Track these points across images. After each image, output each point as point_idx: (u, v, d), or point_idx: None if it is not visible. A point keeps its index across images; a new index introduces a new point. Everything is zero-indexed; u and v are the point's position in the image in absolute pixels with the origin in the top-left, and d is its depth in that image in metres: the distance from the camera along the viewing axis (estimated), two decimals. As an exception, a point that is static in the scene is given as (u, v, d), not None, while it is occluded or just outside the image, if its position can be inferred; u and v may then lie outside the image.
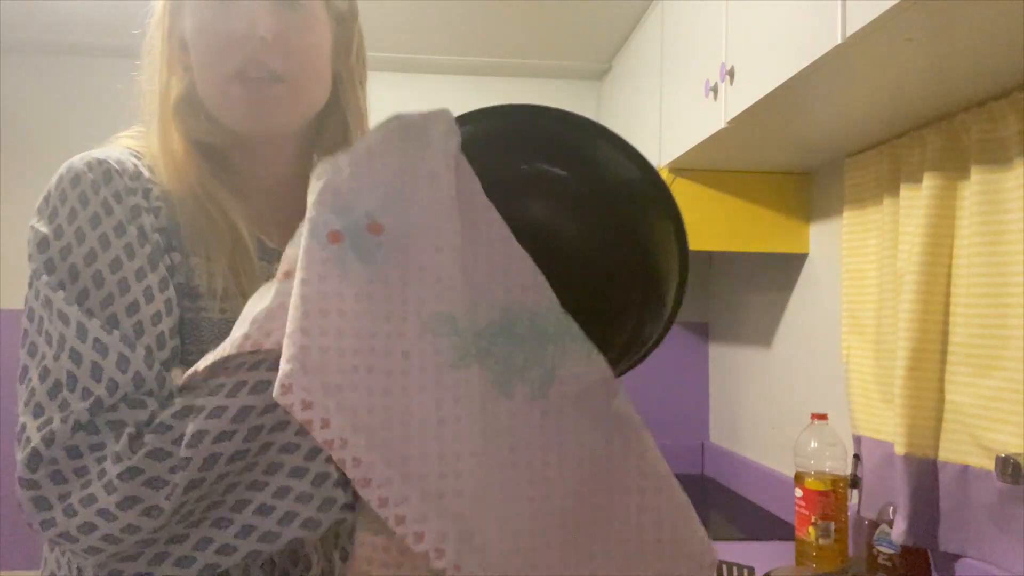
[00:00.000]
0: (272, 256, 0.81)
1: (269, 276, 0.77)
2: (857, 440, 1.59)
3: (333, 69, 0.81)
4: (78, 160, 0.74)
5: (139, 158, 0.78)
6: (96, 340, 0.67)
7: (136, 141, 0.81)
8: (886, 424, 1.50)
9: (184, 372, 0.68)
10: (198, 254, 0.76)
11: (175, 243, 0.75)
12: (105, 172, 0.73)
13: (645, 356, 0.68)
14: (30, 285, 0.71)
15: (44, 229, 0.71)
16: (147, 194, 0.75)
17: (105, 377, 0.66)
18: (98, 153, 0.75)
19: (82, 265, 0.69)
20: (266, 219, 0.83)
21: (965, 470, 1.32)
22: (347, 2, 0.83)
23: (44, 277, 0.69)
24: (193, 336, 0.74)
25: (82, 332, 0.67)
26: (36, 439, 0.64)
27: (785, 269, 2.11)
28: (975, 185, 1.28)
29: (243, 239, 0.77)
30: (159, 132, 0.78)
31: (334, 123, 0.84)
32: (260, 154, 0.82)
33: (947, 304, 1.37)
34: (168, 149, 0.77)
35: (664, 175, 2.01)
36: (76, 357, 0.67)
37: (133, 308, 0.70)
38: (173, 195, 0.76)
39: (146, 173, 0.76)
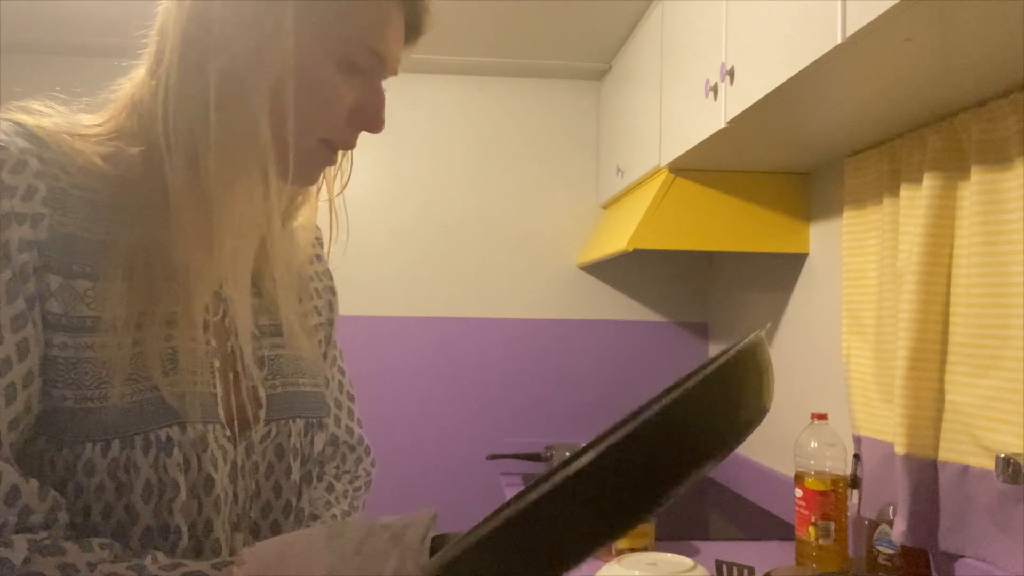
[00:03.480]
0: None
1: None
2: (857, 440, 1.59)
3: None
4: None
5: (37, 140, 0.64)
6: None
7: (44, 118, 0.67)
8: (886, 424, 1.50)
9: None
10: (90, 275, 0.63)
11: (54, 262, 0.62)
12: None
13: None
14: None
15: None
16: (29, 195, 0.61)
17: None
18: None
19: None
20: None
21: (965, 470, 1.32)
22: None
23: None
24: (68, 378, 0.61)
25: None
26: None
27: (785, 269, 2.11)
28: (975, 185, 1.28)
29: (172, 257, 0.67)
30: (128, 116, 0.67)
31: None
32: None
33: (947, 304, 1.37)
34: (135, 138, 0.66)
35: (664, 175, 2.02)
36: None
37: None
38: (109, 192, 0.65)
39: (35, 164, 0.62)
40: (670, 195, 1.99)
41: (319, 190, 0.81)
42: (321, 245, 0.90)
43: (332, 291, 0.92)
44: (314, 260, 0.88)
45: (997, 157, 1.26)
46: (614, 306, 2.81)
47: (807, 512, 1.55)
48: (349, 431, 0.93)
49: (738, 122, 1.52)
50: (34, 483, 0.59)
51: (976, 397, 1.29)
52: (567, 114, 2.84)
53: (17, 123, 0.64)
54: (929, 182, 1.37)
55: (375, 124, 0.72)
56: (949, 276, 1.36)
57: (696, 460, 0.45)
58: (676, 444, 0.45)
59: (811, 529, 1.54)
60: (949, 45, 1.07)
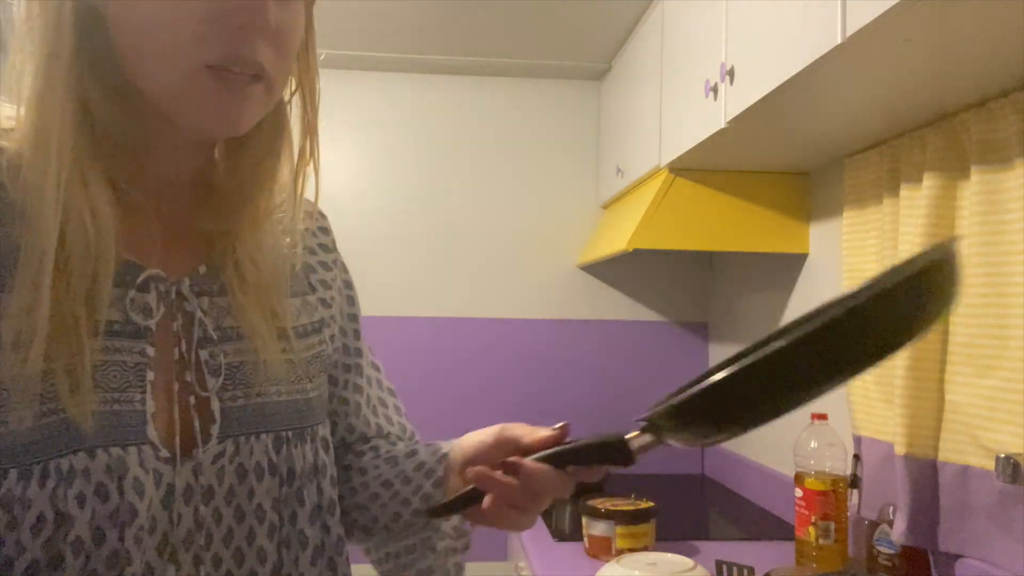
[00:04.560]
0: (135, 280, 0.62)
1: (123, 310, 0.61)
2: (857, 440, 1.59)
3: None
4: None
5: None
6: None
7: None
8: (886, 424, 1.50)
9: None
10: (13, 285, 0.56)
11: None
12: None
13: None
14: None
15: None
16: None
17: None
18: None
19: None
20: (144, 229, 0.64)
21: (965, 470, 1.32)
22: None
23: None
24: None
25: None
26: None
27: (785, 269, 2.11)
28: (975, 185, 1.28)
29: (106, 260, 0.58)
30: (38, 94, 0.57)
31: (271, 119, 0.68)
32: (169, 147, 0.65)
33: (947, 304, 1.37)
34: (45, 121, 0.57)
35: (664, 175, 2.02)
36: None
37: None
38: (21, 188, 0.57)
39: None
40: (670, 195, 1.99)
41: (301, 176, 0.71)
42: (327, 233, 0.81)
43: (348, 284, 0.83)
44: (316, 250, 0.79)
45: (997, 157, 1.26)
46: (614, 306, 2.81)
47: (807, 512, 1.55)
48: (403, 428, 0.87)
49: (738, 122, 1.52)
50: None
51: (976, 397, 1.29)
52: (567, 114, 2.84)
53: None
54: (929, 182, 1.37)
55: (257, 19, 0.58)
56: (949, 276, 1.36)
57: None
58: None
59: (811, 529, 1.54)
60: (949, 45, 1.07)
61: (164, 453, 0.61)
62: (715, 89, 1.60)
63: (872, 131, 1.54)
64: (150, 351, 0.62)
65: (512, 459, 0.68)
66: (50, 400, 0.56)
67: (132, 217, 0.63)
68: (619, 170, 2.47)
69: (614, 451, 0.68)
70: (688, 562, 1.42)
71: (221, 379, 0.65)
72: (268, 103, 0.63)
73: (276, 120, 0.69)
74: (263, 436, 0.66)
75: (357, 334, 0.84)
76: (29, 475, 0.55)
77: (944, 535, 1.37)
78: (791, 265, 2.08)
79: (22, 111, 0.58)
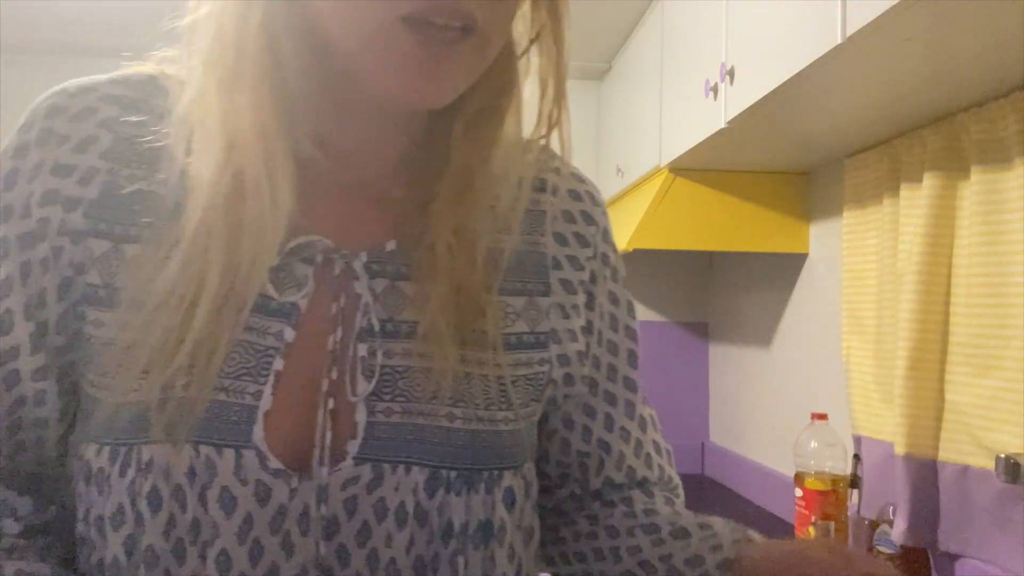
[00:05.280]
0: (285, 245, 0.50)
1: (270, 281, 0.50)
2: (857, 440, 1.59)
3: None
4: (54, 94, 0.54)
5: (165, 92, 0.53)
6: None
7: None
8: (886, 424, 1.50)
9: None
10: (141, 239, 0.50)
11: (103, 224, 0.50)
12: (43, 132, 0.51)
13: None
14: None
15: None
16: (83, 147, 0.52)
17: None
18: (84, 84, 0.55)
19: None
20: (318, 192, 0.53)
21: (965, 470, 1.32)
22: None
23: None
24: (94, 360, 0.50)
25: None
26: None
27: (785, 269, 2.11)
28: (975, 185, 1.28)
29: (275, 226, 0.49)
30: (229, 31, 0.49)
31: (492, 75, 0.54)
32: (362, 112, 0.54)
33: (947, 304, 1.37)
34: (232, 93, 0.49)
35: (664, 175, 2.02)
36: None
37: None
38: (189, 128, 0.50)
39: (109, 111, 0.53)
40: (670, 195, 1.99)
41: (534, 149, 0.58)
42: (590, 221, 0.63)
43: (613, 274, 0.65)
44: (567, 240, 0.61)
45: (997, 157, 1.26)
46: (614, 306, 2.80)
47: (807, 512, 1.55)
48: (668, 480, 0.70)
49: (738, 122, 1.52)
50: (27, 500, 0.51)
51: (976, 397, 1.29)
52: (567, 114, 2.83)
53: (161, 74, 0.54)
54: (929, 182, 1.37)
55: None
56: (949, 276, 1.36)
57: None
58: None
59: (811, 529, 1.54)
60: (949, 45, 1.07)
61: (274, 464, 0.48)
62: (715, 89, 1.60)
63: (872, 131, 1.54)
64: (289, 334, 0.50)
65: None
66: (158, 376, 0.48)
67: (304, 178, 0.52)
68: (619, 170, 2.47)
69: None
70: (688, 562, 1.42)
71: (373, 383, 0.51)
72: (480, 64, 0.50)
73: (500, 76, 0.54)
74: (414, 469, 0.50)
75: (633, 358, 0.67)
76: (116, 456, 0.48)
77: (944, 535, 1.37)
78: (791, 265, 2.08)
79: (201, 51, 0.50)
